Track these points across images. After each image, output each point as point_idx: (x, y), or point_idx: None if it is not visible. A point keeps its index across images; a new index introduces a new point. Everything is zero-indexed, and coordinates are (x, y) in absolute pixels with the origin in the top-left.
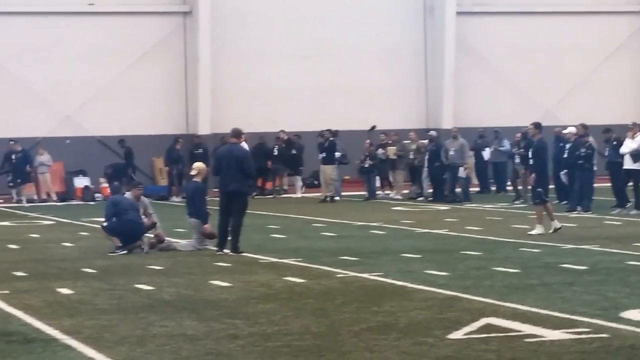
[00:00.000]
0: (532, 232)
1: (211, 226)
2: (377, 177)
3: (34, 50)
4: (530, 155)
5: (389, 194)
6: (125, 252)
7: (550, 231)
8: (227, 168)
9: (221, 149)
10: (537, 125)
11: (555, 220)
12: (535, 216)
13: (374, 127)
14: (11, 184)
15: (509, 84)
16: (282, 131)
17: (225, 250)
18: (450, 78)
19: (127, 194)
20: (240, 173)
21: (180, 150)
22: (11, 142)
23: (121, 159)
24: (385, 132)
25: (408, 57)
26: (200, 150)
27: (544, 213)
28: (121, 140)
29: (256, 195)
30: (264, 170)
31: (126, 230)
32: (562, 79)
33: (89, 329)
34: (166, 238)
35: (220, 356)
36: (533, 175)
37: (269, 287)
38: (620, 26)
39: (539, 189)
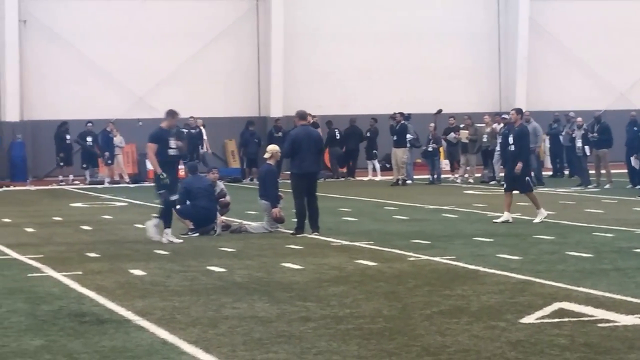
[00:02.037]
0: (536, 220)
1: (282, 209)
2: (447, 161)
3: (109, 32)
4: (511, 141)
5: (457, 177)
6: (197, 234)
7: (537, 220)
8: (307, 150)
9: (296, 131)
10: (519, 111)
11: (542, 209)
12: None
13: (440, 110)
14: (84, 166)
15: (582, 67)
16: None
17: (305, 234)
18: (524, 61)
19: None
20: (318, 154)
21: (251, 132)
22: (89, 125)
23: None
24: (453, 116)
25: (481, 40)
26: (280, 134)
27: (511, 202)
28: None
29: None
30: (355, 153)
31: (198, 216)
32: (637, 61)
33: (161, 311)
34: (238, 220)
35: (292, 338)
36: (520, 164)
37: (341, 270)
38: None
39: (528, 177)
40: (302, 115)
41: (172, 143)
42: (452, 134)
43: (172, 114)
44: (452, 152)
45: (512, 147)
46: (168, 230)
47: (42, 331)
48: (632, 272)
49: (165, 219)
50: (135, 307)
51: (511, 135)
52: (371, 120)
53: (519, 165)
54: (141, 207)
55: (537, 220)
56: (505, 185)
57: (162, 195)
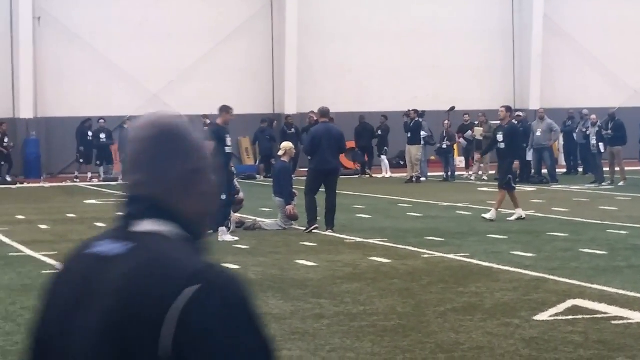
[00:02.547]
0: (487, 216)
1: (296, 206)
2: (463, 158)
3: (123, 29)
4: (501, 139)
5: (471, 174)
6: (211, 231)
7: (513, 218)
8: (328, 147)
9: (317, 128)
10: (509, 109)
11: (520, 209)
12: (497, 200)
13: (453, 107)
14: (98, 163)
15: (597, 65)
16: (312, 112)
17: (316, 228)
18: (538, 58)
19: None
20: (337, 151)
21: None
22: (101, 121)
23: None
24: (467, 113)
25: (496, 38)
26: (292, 131)
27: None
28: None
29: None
30: (369, 149)
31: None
32: None
33: None
34: (252, 217)
35: (306, 335)
36: (517, 162)
37: (355, 267)
38: None
39: (510, 175)
40: (323, 112)
41: (228, 141)
42: (469, 132)
43: (226, 109)
44: (468, 149)
45: (502, 145)
46: (224, 229)
47: None
48: None
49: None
50: None
51: (500, 133)
52: (381, 118)
53: (516, 163)
54: None
55: (513, 217)
56: (499, 184)
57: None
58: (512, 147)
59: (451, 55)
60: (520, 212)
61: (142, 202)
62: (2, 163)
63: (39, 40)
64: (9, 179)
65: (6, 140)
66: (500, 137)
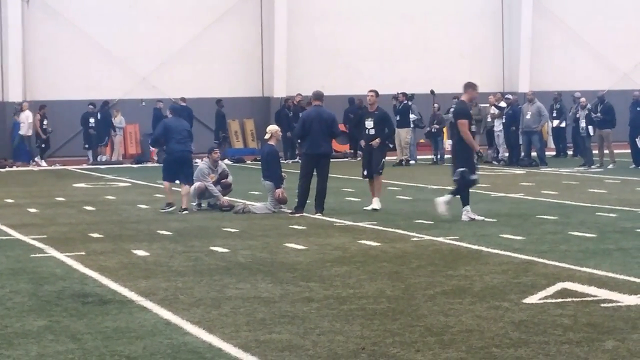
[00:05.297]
0: (375, 207)
1: (285, 190)
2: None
3: (112, 12)
4: (371, 125)
5: None
6: (172, 208)
7: (369, 208)
8: (318, 130)
9: (307, 112)
10: (377, 94)
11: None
12: (375, 189)
13: (432, 91)
14: (86, 146)
15: (586, 47)
16: (299, 94)
17: (303, 214)
18: (527, 41)
19: (205, 161)
20: (329, 136)
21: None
22: (90, 107)
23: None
24: (457, 96)
25: (485, 20)
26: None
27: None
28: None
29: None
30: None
31: (173, 159)
32: None
33: (165, 291)
34: (241, 201)
35: (295, 319)
36: (378, 140)
37: (344, 250)
38: None
39: (383, 160)
40: (316, 95)
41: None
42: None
43: (472, 85)
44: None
45: (372, 132)
46: (467, 207)
47: (45, 312)
48: (635, 252)
49: (464, 196)
50: (139, 288)
51: (370, 119)
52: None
53: (377, 140)
54: (144, 188)
55: (370, 207)
56: (366, 172)
57: (464, 173)
58: (381, 133)
59: (440, 38)
60: (378, 204)
61: None
62: (43, 145)
63: (27, 23)
64: (44, 163)
65: (45, 122)
66: (369, 123)
